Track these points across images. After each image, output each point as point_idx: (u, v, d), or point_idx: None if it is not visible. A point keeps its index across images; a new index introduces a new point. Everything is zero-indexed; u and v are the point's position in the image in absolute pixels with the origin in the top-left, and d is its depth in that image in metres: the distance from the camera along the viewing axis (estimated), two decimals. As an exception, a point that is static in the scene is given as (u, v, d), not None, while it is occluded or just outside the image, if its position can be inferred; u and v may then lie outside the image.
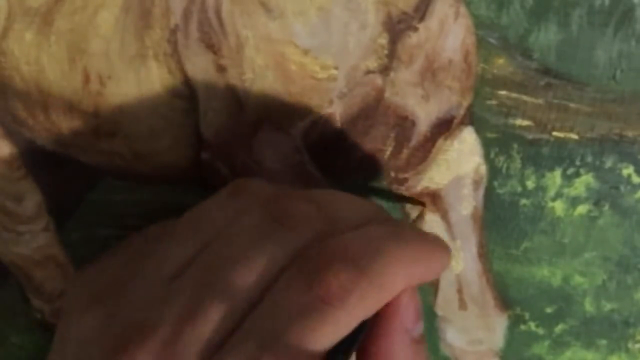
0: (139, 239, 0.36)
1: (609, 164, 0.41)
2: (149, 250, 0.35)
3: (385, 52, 0.38)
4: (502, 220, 0.43)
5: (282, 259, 0.32)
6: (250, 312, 0.31)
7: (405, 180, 0.43)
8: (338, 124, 0.40)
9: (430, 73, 0.39)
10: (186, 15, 0.37)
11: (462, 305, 0.45)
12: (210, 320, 0.31)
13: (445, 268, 0.34)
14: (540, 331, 0.46)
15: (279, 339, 0.29)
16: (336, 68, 0.38)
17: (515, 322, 0.46)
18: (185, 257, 0.33)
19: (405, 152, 0.42)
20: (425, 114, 0.40)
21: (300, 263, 0.31)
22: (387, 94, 0.40)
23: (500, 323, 0.46)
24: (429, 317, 0.46)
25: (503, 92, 0.40)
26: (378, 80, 0.39)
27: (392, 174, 0.43)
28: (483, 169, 0.42)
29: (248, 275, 0.31)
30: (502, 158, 0.41)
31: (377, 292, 0.31)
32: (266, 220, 0.33)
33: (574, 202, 0.42)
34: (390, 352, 0.32)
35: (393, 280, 0.31)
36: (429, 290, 0.45)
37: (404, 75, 0.39)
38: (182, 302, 0.32)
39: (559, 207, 0.43)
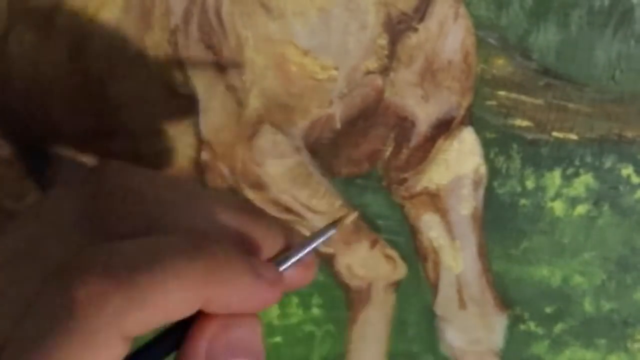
0: None
1: (608, 164, 0.41)
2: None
3: (385, 52, 0.38)
4: (501, 220, 0.43)
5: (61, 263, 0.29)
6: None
7: (405, 180, 0.43)
8: (338, 124, 0.40)
9: (430, 73, 0.39)
10: (186, 15, 0.37)
11: (462, 305, 0.45)
12: None
13: (262, 303, 0.30)
14: (540, 331, 0.46)
15: None
16: (336, 69, 0.38)
17: (514, 322, 0.46)
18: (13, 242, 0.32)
19: (405, 152, 0.42)
20: (425, 114, 0.40)
21: (60, 270, 0.29)
22: (387, 95, 0.40)
23: (499, 323, 0.46)
24: (429, 317, 0.46)
25: (502, 93, 0.40)
26: (378, 80, 0.39)
27: (392, 174, 0.44)
28: (483, 169, 0.42)
29: (32, 276, 0.30)
30: (501, 158, 0.42)
31: (136, 310, 0.28)
32: (81, 213, 0.31)
33: (574, 202, 0.43)
34: None
35: (161, 298, 0.28)
36: (428, 290, 0.45)
37: (404, 75, 0.39)
38: None
39: (558, 207, 0.43)
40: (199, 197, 0.31)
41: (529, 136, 0.41)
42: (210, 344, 0.29)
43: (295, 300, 0.46)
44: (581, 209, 0.43)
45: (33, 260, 0.30)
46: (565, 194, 0.42)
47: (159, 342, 0.29)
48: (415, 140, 0.41)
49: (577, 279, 0.45)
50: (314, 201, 0.46)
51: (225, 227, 0.31)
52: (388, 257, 0.45)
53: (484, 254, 0.44)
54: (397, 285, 0.45)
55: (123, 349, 0.28)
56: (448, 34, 0.38)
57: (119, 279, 0.28)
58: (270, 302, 0.29)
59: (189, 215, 0.31)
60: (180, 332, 0.29)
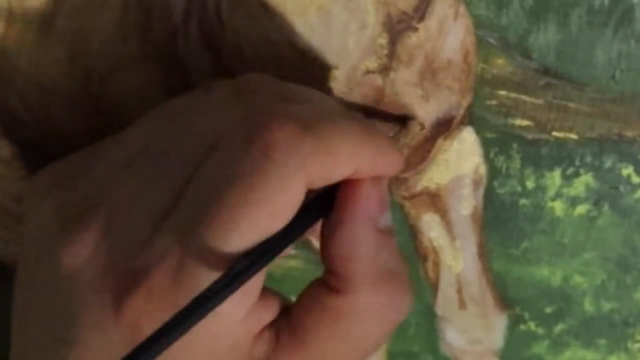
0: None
1: (608, 164, 0.41)
2: (115, 137, 0.36)
3: (385, 52, 0.38)
4: (502, 220, 0.43)
5: (232, 125, 0.31)
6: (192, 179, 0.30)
7: (405, 180, 0.43)
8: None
9: (430, 73, 0.39)
10: (186, 15, 0.38)
11: (462, 305, 0.45)
12: (157, 192, 0.31)
13: (393, 169, 0.33)
14: (540, 331, 0.46)
15: (206, 221, 0.29)
16: (336, 68, 0.38)
17: (514, 321, 0.46)
18: (147, 139, 0.33)
19: (405, 152, 0.42)
20: (425, 114, 0.40)
21: (244, 123, 0.30)
22: (387, 94, 0.40)
23: (499, 323, 0.46)
24: (429, 317, 0.46)
25: (502, 92, 0.40)
26: (378, 80, 0.39)
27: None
28: (483, 169, 0.42)
29: (195, 146, 0.31)
30: (501, 158, 0.42)
31: (323, 154, 0.29)
32: (225, 96, 0.33)
33: (574, 202, 0.43)
34: (352, 237, 0.31)
35: (340, 147, 0.30)
36: (428, 290, 0.45)
37: (404, 75, 0.39)
38: (135, 178, 0.32)
39: (558, 207, 0.43)
40: (308, 88, 0.35)
41: (529, 136, 0.41)
42: (366, 198, 0.31)
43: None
44: (581, 209, 0.43)
45: (187, 137, 0.31)
46: (565, 193, 0.42)
47: (307, 210, 0.31)
48: (415, 140, 0.41)
49: (577, 279, 0.45)
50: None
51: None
52: (388, 257, 0.44)
53: (484, 254, 0.44)
54: (397, 285, 0.45)
55: (301, 198, 0.29)
56: (448, 34, 0.38)
57: (309, 124, 0.29)
58: (399, 167, 0.33)
59: (315, 94, 0.34)
60: (324, 200, 0.31)
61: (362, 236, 0.31)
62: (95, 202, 0.32)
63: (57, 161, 0.37)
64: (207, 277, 0.28)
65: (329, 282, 0.32)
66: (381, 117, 0.40)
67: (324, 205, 0.32)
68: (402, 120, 0.40)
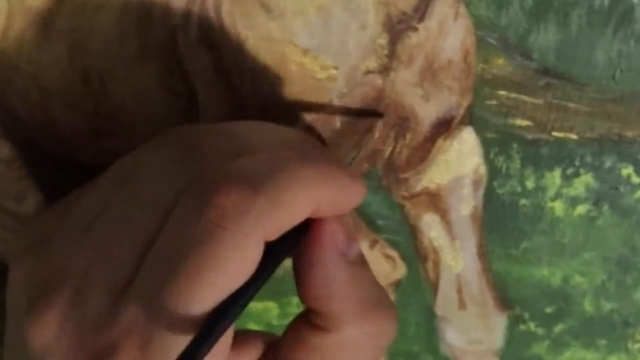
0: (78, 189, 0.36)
1: (608, 164, 0.41)
2: (78, 194, 0.35)
3: (385, 52, 0.38)
4: (502, 220, 0.43)
5: (182, 190, 0.30)
6: (149, 251, 0.30)
7: (405, 180, 0.43)
8: (338, 124, 0.40)
9: (430, 73, 0.39)
10: (186, 15, 0.38)
11: (462, 305, 0.45)
12: (116, 264, 0.30)
13: (356, 201, 0.33)
14: (540, 331, 0.46)
15: (167, 291, 0.28)
16: (336, 68, 0.38)
17: (514, 322, 0.46)
18: (102, 203, 0.33)
19: (405, 152, 0.42)
20: (425, 114, 0.40)
21: (192, 189, 0.30)
22: (387, 94, 0.40)
23: (499, 323, 0.46)
24: (429, 317, 0.46)
25: (502, 92, 0.40)
26: (378, 80, 0.39)
27: (392, 174, 0.43)
28: (483, 169, 0.42)
29: (148, 214, 0.31)
30: (501, 158, 0.42)
31: (276, 211, 0.29)
32: (173, 156, 0.32)
33: (574, 202, 0.43)
34: (327, 277, 0.30)
35: (294, 198, 0.29)
36: (428, 290, 0.45)
37: (404, 75, 0.39)
38: (92, 248, 0.32)
39: (558, 207, 0.43)
40: (262, 124, 0.34)
41: (529, 136, 0.41)
42: (332, 236, 0.31)
43: (295, 300, 0.46)
44: (581, 209, 0.43)
45: (139, 203, 0.31)
46: (565, 194, 0.42)
47: (271, 255, 0.30)
48: (415, 140, 0.41)
49: (577, 279, 0.45)
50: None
51: (287, 143, 0.34)
52: (388, 257, 0.45)
53: (484, 254, 0.44)
54: (397, 285, 0.45)
55: (259, 254, 0.30)
56: (448, 34, 0.38)
57: (256, 184, 0.29)
58: (362, 197, 0.33)
59: (266, 137, 0.33)
60: (290, 241, 0.31)
61: (337, 274, 0.31)
62: (58, 274, 0.32)
63: (35, 218, 0.37)
64: (176, 346, 0.28)
65: (312, 320, 0.32)
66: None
67: (287, 245, 0.31)
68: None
